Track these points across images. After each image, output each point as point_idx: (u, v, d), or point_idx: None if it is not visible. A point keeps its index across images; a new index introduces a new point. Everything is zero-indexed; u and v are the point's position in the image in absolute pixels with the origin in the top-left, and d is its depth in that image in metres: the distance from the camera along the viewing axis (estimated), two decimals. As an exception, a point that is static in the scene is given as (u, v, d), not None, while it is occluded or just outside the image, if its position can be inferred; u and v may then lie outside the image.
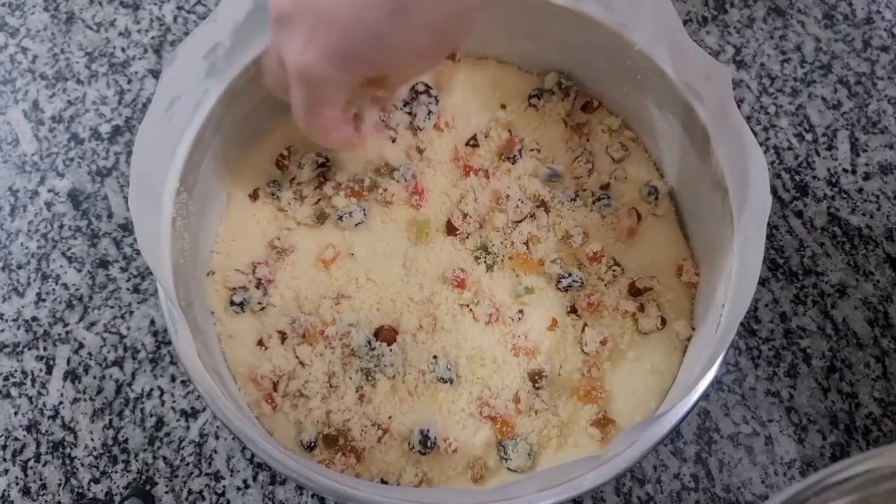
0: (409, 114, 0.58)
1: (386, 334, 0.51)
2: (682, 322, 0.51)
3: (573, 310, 0.53)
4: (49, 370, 0.56)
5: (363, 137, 0.51)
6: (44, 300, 0.58)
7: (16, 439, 0.55)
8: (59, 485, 0.53)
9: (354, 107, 0.51)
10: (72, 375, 0.56)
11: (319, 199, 0.55)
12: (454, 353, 0.51)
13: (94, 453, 0.54)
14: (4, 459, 0.54)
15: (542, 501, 0.41)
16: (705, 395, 0.44)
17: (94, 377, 0.56)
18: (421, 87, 0.57)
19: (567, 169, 0.57)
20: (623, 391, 0.51)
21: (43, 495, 0.53)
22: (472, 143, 0.57)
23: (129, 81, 0.66)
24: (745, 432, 0.54)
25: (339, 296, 0.52)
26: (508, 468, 0.48)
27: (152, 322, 0.57)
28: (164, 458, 0.54)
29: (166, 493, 0.53)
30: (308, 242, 0.54)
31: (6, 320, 0.58)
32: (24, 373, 0.56)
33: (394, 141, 0.57)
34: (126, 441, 0.54)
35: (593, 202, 0.55)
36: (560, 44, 0.56)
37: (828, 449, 0.54)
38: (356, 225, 0.54)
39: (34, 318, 0.58)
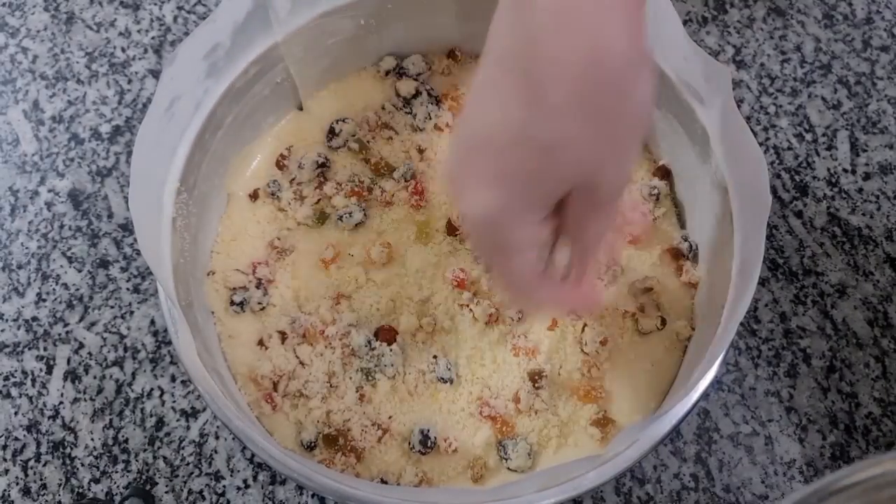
0: (410, 114, 0.58)
1: (386, 334, 0.51)
2: (682, 322, 0.51)
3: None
4: (49, 370, 0.56)
5: (582, 295, 0.39)
6: (44, 300, 0.58)
7: (16, 439, 0.55)
8: (60, 485, 0.53)
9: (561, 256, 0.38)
10: (72, 375, 0.56)
11: (319, 199, 0.55)
12: (454, 353, 0.51)
13: (95, 453, 0.54)
14: (5, 459, 0.54)
15: (542, 501, 0.41)
16: (705, 395, 0.44)
17: (95, 377, 0.56)
18: (422, 88, 0.57)
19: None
20: (623, 391, 0.51)
21: (43, 495, 0.53)
22: (472, 143, 0.57)
23: (130, 81, 0.66)
24: (744, 432, 0.54)
25: (338, 296, 0.52)
26: (508, 468, 0.48)
27: (152, 322, 0.57)
28: (165, 458, 0.54)
29: (166, 493, 0.53)
30: (308, 242, 0.54)
31: (6, 320, 0.58)
32: (24, 373, 0.56)
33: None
34: (126, 441, 0.54)
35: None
36: (560, 44, 0.56)
37: (828, 449, 0.54)
38: (356, 225, 0.54)
39: (34, 318, 0.58)
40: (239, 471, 0.53)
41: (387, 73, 0.59)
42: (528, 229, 0.33)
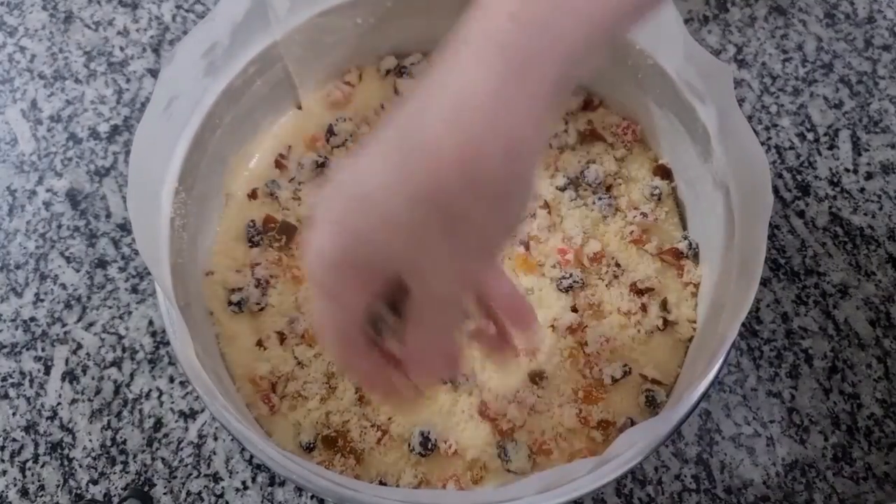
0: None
1: (385, 335, 0.51)
2: (683, 322, 0.51)
3: (574, 310, 0.52)
4: (47, 371, 0.56)
5: (406, 385, 0.36)
6: (42, 300, 0.58)
7: (14, 440, 0.54)
8: (58, 486, 0.53)
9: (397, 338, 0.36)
10: (70, 376, 0.56)
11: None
12: (454, 354, 0.51)
13: (93, 454, 0.54)
14: (2, 460, 0.54)
15: (543, 503, 0.40)
16: (706, 396, 0.44)
17: (93, 378, 0.56)
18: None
19: (568, 167, 0.57)
20: (624, 391, 0.50)
21: (41, 496, 0.53)
22: (472, 142, 0.57)
23: (128, 81, 0.66)
24: (746, 433, 0.54)
25: (338, 296, 0.52)
26: (508, 470, 0.48)
27: (151, 322, 0.57)
28: (163, 459, 0.53)
29: (165, 494, 0.53)
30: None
31: (4, 321, 0.58)
32: (22, 373, 0.56)
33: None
34: (124, 442, 0.54)
35: (594, 202, 0.55)
36: (560, 43, 0.56)
37: (829, 450, 0.54)
38: (356, 225, 0.54)
39: (32, 319, 0.58)
40: (238, 472, 0.53)
41: (387, 72, 0.59)
42: (352, 290, 0.31)
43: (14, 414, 0.55)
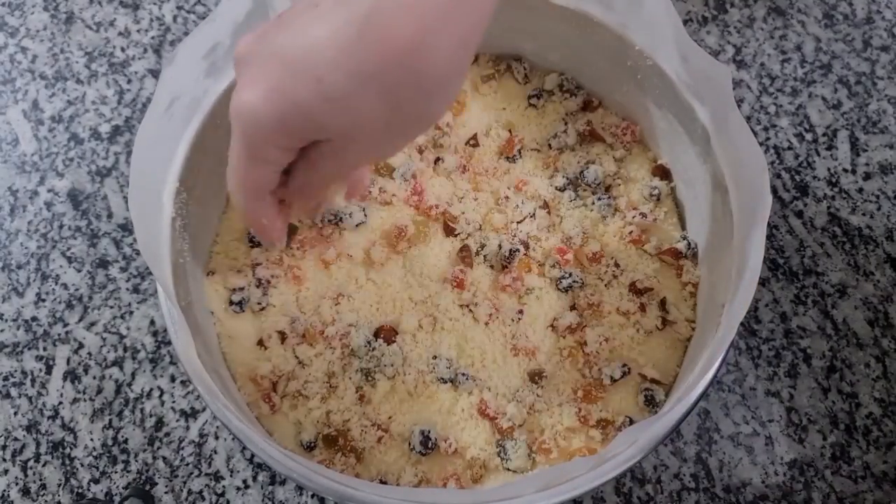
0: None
1: (386, 334, 0.51)
2: (682, 322, 0.51)
3: (573, 309, 0.52)
4: (49, 370, 0.56)
5: (280, 231, 0.41)
6: (43, 300, 0.58)
7: (15, 439, 0.54)
8: (59, 485, 0.53)
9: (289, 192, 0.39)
10: (71, 375, 0.56)
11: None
12: (454, 353, 0.51)
13: (94, 453, 0.54)
14: (4, 460, 0.54)
15: (542, 502, 0.41)
16: (705, 395, 0.44)
17: (94, 377, 0.56)
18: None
19: (567, 168, 0.57)
20: (623, 391, 0.50)
21: (43, 495, 0.53)
22: (472, 142, 0.57)
23: (129, 81, 0.66)
24: (745, 432, 0.54)
25: (338, 296, 0.52)
26: (508, 468, 0.48)
27: (152, 322, 0.57)
28: (164, 458, 0.54)
29: (166, 493, 0.53)
30: (308, 242, 0.54)
31: (6, 320, 0.58)
32: (23, 373, 0.56)
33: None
34: (126, 441, 0.54)
35: (593, 202, 0.55)
36: (560, 44, 0.56)
37: (828, 449, 0.54)
38: (356, 225, 0.54)
39: (34, 318, 0.58)
40: (238, 471, 0.53)
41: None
42: (278, 149, 0.34)
43: (16, 413, 0.55)
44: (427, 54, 0.30)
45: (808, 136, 0.64)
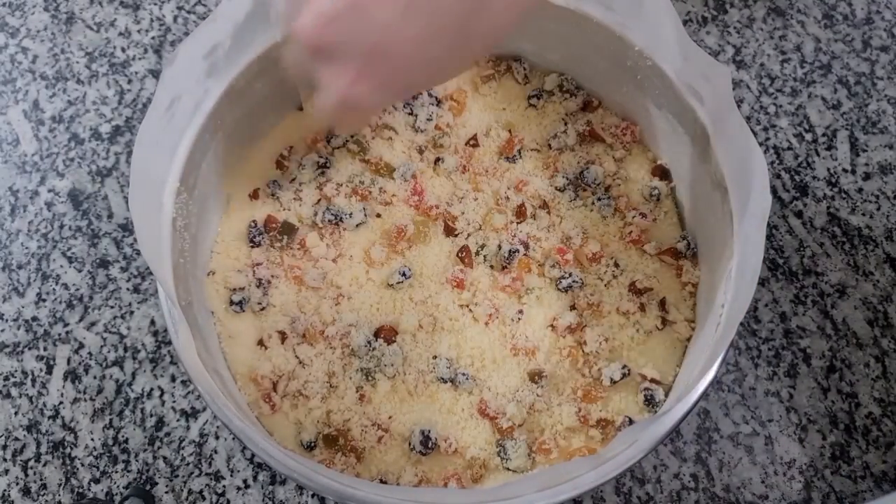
0: (410, 114, 0.58)
1: (386, 334, 0.51)
2: (682, 322, 0.51)
3: (573, 309, 0.53)
4: (49, 370, 0.56)
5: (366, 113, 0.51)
6: (44, 300, 0.58)
7: (16, 439, 0.55)
8: (60, 485, 0.53)
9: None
10: (72, 375, 0.56)
11: (320, 200, 0.55)
12: (454, 353, 0.51)
13: (95, 453, 0.54)
14: (5, 459, 0.54)
15: (542, 501, 0.41)
16: (705, 395, 0.44)
17: (95, 377, 0.56)
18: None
19: (567, 166, 0.57)
20: (623, 391, 0.51)
21: (43, 495, 0.53)
22: (473, 142, 0.57)
23: (130, 81, 0.66)
24: (744, 432, 0.54)
25: (339, 296, 0.52)
26: (508, 468, 0.48)
27: (152, 322, 0.57)
28: (165, 458, 0.54)
29: (166, 492, 0.53)
30: (309, 242, 0.54)
31: (6, 320, 0.58)
32: (24, 373, 0.56)
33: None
34: (126, 441, 0.54)
35: (593, 202, 0.55)
36: (560, 44, 0.56)
37: (828, 449, 0.54)
38: (357, 225, 0.54)
39: (34, 318, 0.58)
40: (239, 471, 0.53)
41: (387, 73, 0.59)
42: (352, 54, 0.40)
43: (16, 413, 0.55)
44: None
45: (808, 137, 0.64)
